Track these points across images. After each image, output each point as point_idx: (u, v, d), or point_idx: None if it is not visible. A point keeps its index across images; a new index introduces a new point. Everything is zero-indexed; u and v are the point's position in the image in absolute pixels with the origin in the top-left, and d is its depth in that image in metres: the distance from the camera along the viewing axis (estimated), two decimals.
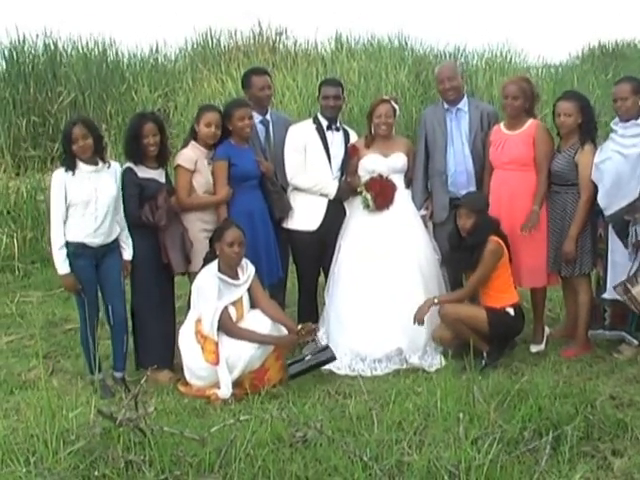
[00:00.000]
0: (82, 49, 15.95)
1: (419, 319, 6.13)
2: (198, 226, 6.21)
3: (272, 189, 6.53)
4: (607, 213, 6.02)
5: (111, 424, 4.20)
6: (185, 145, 6.38)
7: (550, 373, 5.77)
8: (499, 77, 14.57)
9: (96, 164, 5.79)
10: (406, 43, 17.19)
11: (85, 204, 5.70)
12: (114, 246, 5.94)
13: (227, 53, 16.87)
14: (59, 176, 5.72)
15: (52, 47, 15.47)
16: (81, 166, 5.73)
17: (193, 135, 6.34)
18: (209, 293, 5.80)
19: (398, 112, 6.82)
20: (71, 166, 5.71)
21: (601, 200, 6.02)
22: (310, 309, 6.86)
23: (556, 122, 6.30)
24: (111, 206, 5.81)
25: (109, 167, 5.88)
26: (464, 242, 6.21)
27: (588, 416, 4.66)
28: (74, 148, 5.68)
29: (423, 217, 6.73)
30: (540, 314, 6.68)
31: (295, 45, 17.59)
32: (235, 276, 5.97)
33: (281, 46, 17.45)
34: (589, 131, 6.21)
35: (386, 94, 8.25)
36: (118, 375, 6.07)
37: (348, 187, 6.64)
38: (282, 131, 6.77)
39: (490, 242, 6.06)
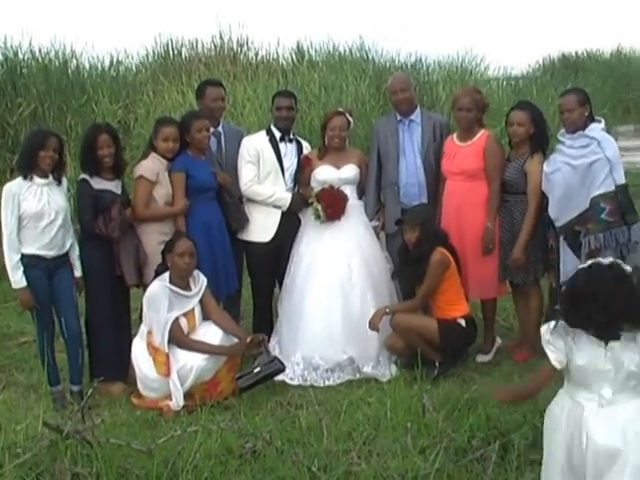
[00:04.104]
0: (42, 60, 15.80)
1: (373, 327, 6.16)
2: (156, 238, 6.17)
3: (229, 200, 6.53)
4: (558, 224, 6.05)
5: (59, 437, 4.18)
6: (144, 157, 6.35)
7: (501, 382, 5.83)
8: (460, 88, 14.62)
9: (47, 177, 5.78)
10: (367, 55, 17.25)
11: (38, 216, 5.68)
12: (66, 259, 5.94)
13: (188, 64, 16.86)
14: (12, 189, 5.69)
15: (12, 58, 15.35)
16: (34, 178, 5.72)
17: (152, 147, 6.32)
18: (159, 304, 5.79)
19: (352, 125, 6.84)
20: (28, 175, 5.69)
21: (551, 211, 6.06)
22: (265, 320, 6.86)
23: (508, 131, 6.34)
24: (63, 218, 5.82)
25: (59, 184, 5.89)
26: (411, 255, 6.23)
27: (537, 424, 4.66)
28: (40, 154, 5.65)
29: (375, 228, 6.76)
30: (490, 325, 6.70)
31: (256, 56, 17.62)
32: (186, 287, 5.96)
33: (242, 57, 17.46)
34: (540, 141, 6.26)
35: (344, 106, 8.30)
36: (75, 389, 6.00)
37: (301, 198, 6.66)
38: (234, 143, 6.77)
39: (436, 253, 6.08)
